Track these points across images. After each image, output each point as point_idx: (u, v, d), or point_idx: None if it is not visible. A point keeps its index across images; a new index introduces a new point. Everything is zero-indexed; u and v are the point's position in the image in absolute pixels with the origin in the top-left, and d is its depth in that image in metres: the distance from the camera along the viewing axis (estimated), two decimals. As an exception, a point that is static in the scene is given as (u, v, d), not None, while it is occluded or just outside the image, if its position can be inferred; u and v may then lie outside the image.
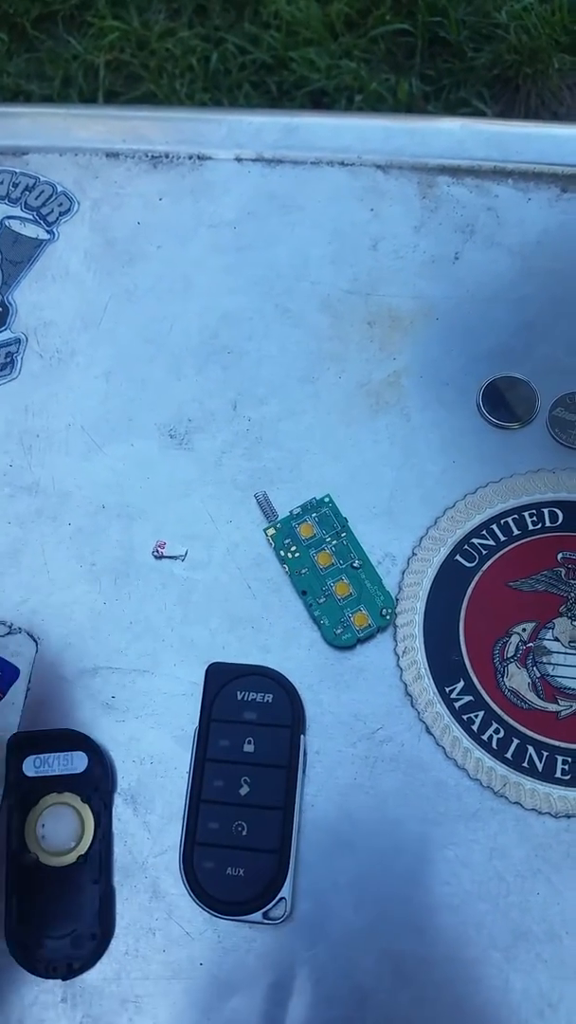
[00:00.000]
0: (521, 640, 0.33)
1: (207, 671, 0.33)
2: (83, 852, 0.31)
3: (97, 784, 0.32)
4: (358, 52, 1.26)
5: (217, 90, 1.27)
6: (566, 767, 0.31)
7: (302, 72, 1.23)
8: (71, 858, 0.31)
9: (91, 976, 0.30)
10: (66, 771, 0.32)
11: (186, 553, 0.36)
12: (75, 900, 0.31)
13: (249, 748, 0.32)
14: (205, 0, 1.34)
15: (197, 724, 0.32)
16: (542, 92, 1.19)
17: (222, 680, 0.33)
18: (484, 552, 0.34)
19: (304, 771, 0.32)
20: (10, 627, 0.35)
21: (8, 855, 0.31)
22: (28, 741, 0.32)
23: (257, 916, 0.30)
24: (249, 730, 0.32)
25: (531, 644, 0.33)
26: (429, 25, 1.21)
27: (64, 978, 0.30)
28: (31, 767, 0.32)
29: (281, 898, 0.30)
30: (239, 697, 0.32)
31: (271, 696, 0.32)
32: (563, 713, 0.32)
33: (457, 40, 1.22)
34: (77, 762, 0.32)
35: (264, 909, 0.30)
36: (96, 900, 0.31)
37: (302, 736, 0.32)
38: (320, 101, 1.22)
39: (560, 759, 0.31)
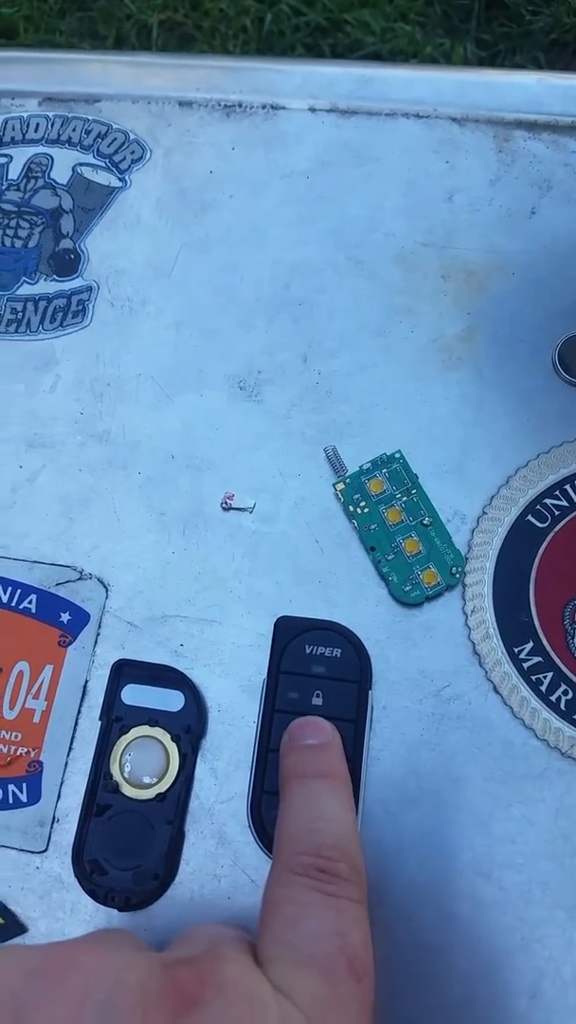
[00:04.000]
0: (594, 602, 0.32)
1: (276, 624, 0.33)
2: (163, 791, 0.31)
3: (189, 726, 0.32)
4: (413, 15, 1.23)
5: (270, 51, 1.25)
6: None
7: (356, 35, 1.21)
8: (150, 793, 0.31)
9: (156, 919, 0.31)
10: (162, 707, 0.32)
11: (254, 505, 0.36)
12: (146, 836, 0.31)
13: (317, 701, 0.32)
14: (261, -42, 1.31)
15: (265, 676, 0.32)
16: (606, 56, 1.16)
17: (291, 634, 0.33)
18: (557, 513, 0.34)
19: (371, 726, 0.32)
20: (81, 572, 0.35)
21: (91, 776, 0.32)
22: (131, 669, 0.33)
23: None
24: (317, 683, 0.32)
25: (604, 606, 0.32)
26: (490, -14, 1.19)
27: (120, 909, 0.31)
28: (130, 695, 0.33)
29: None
30: (308, 651, 0.33)
31: (339, 651, 0.32)
32: None
33: (515, 3, 1.19)
34: (174, 700, 0.32)
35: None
36: (166, 841, 0.31)
37: (370, 691, 0.32)
38: (376, 63, 1.20)
39: (631, 722, 0.31)
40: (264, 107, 0.43)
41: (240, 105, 0.43)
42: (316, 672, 0.32)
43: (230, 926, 0.28)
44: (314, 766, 0.29)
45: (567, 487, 0.34)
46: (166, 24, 1.33)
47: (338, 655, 0.32)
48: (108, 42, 1.34)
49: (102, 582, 0.35)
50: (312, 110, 0.42)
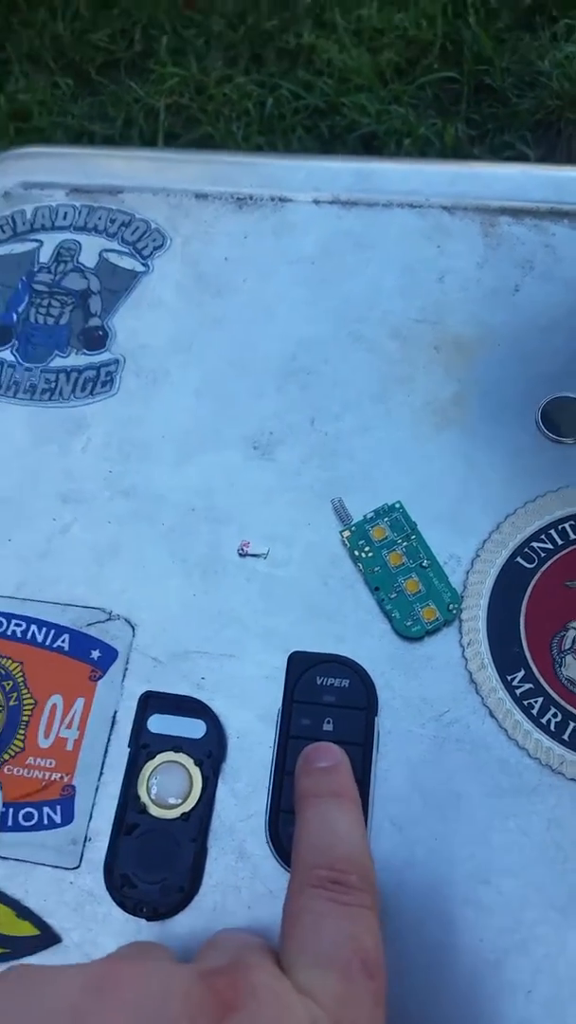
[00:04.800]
0: (576, 635, 0.36)
1: (289, 658, 0.37)
2: (187, 811, 0.35)
3: (211, 751, 0.36)
4: (407, 98, 1.32)
5: (271, 133, 1.34)
6: (618, 751, 0.34)
7: (353, 116, 1.29)
8: (175, 813, 0.34)
9: (181, 929, 0.34)
10: (185, 734, 0.36)
11: (268, 552, 0.40)
12: (171, 852, 0.34)
13: (328, 727, 0.35)
14: (261, 48, 1.41)
15: (281, 705, 0.36)
16: (585, 137, 1.24)
17: (303, 666, 0.36)
18: (543, 554, 0.38)
19: (378, 749, 0.35)
20: (110, 614, 0.39)
21: (121, 798, 0.35)
22: (156, 700, 0.37)
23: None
24: (328, 711, 0.35)
25: (586, 639, 0.36)
26: (474, 73, 1.27)
27: (148, 919, 0.34)
28: (156, 724, 0.36)
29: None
30: (318, 682, 0.36)
31: (348, 681, 0.36)
32: (615, 702, 0.35)
33: (502, 87, 1.27)
34: (196, 728, 0.36)
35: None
36: (190, 857, 0.34)
37: (375, 717, 0.35)
38: (370, 144, 1.28)
39: (612, 743, 0.34)
40: (272, 199, 0.48)
41: (251, 198, 0.48)
42: (326, 701, 0.36)
43: (250, 934, 0.30)
44: (326, 786, 0.32)
45: (552, 531, 0.38)
46: (172, 108, 1.42)
47: (346, 685, 0.36)
48: (117, 124, 1.43)
49: (129, 622, 0.39)
50: (316, 202, 0.48)
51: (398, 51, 1.30)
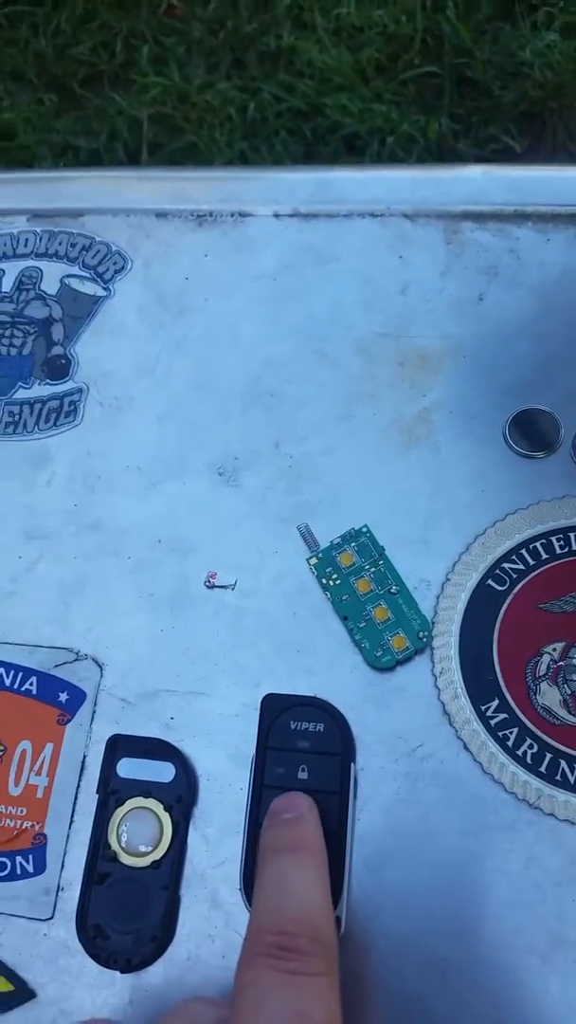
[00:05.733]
0: (552, 659, 0.35)
1: (262, 702, 0.35)
2: (158, 858, 0.34)
3: (180, 795, 0.34)
4: (389, 95, 1.30)
5: (255, 138, 1.32)
6: (599, 779, 0.33)
7: (336, 117, 1.28)
8: (145, 861, 0.34)
9: (155, 979, 0.33)
10: (154, 778, 0.35)
11: (236, 583, 0.38)
12: (143, 901, 0.33)
13: (303, 775, 0.34)
14: (242, 53, 1.40)
15: (255, 752, 0.35)
16: (569, 125, 1.22)
17: (276, 710, 0.35)
18: (515, 576, 0.36)
19: (355, 796, 0.34)
20: (77, 654, 0.38)
21: (91, 846, 0.34)
22: (125, 743, 0.36)
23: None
24: (302, 758, 0.34)
25: (562, 663, 0.35)
26: (456, 66, 1.26)
27: (122, 971, 0.33)
28: (124, 768, 0.35)
29: (336, 917, 0.31)
30: (292, 727, 0.35)
31: (322, 725, 0.35)
32: (595, 728, 0.34)
33: (484, 79, 1.26)
34: (166, 772, 0.35)
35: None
36: (163, 905, 0.33)
37: (352, 764, 0.34)
38: (354, 144, 1.26)
39: (593, 772, 0.33)
40: (232, 215, 0.47)
41: (211, 214, 0.47)
42: (301, 747, 0.34)
43: (211, 1004, 0.28)
44: (285, 840, 0.30)
45: (523, 551, 0.37)
46: (156, 117, 1.41)
47: (321, 729, 0.35)
48: (101, 138, 1.42)
49: (97, 662, 0.38)
50: (276, 215, 0.46)
51: (378, 48, 1.29)
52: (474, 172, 0.47)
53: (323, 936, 0.27)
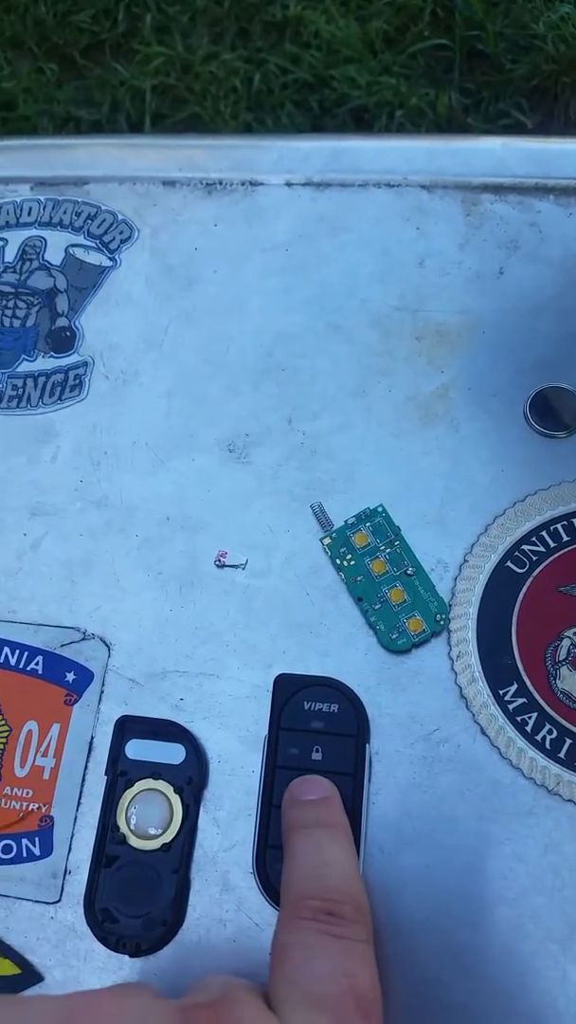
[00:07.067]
0: (572, 643, 0.34)
1: (275, 681, 0.35)
2: (168, 841, 0.33)
3: (191, 777, 0.34)
4: (397, 68, 1.28)
5: (260, 109, 1.30)
6: (619, 765, 0.32)
7: (343, 90, 1.25)
8: (155, 844, 0.33)
9: (166, 963, 0.32)
10: (164, 760, 0.34)
11: (247, 562, 0.38)
12: (153, 885, 0.32)
13: (317, 756, 0.33)
14: (247, 23, 1.37)
15: (267, 733, 0.34)
16: (582, 100, 1.20)
17: (290, 690, 0.34)
18: (535, 558, 0.35)
19: (370, 778, 0.33)
20: (84, 633, 0.37)
21: (99, 829, 0.33)
22: (134, 724, 0.35)
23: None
24: (316, 739, 0.33)
25: (582, 646, 0.34)
26: (467, 39, 1.23)
27: (131, 955, 0.32)
28: (133, 749, 0.34)
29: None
30: (306, 707, 0.34)
31: (337, 706, 0.34)
32: (615, 713, 0.33)
33: (495, 52, 1.23)
34: (175, 753, 0.34)
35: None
36: (172, 889, 0.32)
37: (367, 745, 0.33)
38: (361, 118, 1.24)
39: (613, 758, 0.32)
40: (243, 184, 0.45)
41: (221, 183, 0.46)
42: (315, 728, 0.34)
43: (239, 977, 0.29)
44: (315, 817, 0.30)
45: (543, 533, 0.36)
46: (159, 88, 1.39)
47: (335, 710, 0.34)
48: (103, 109, 1.40)
49: (104, 641, 0.37)
50: (288, 184, 0.45)
51: (387, 19, 1.26)
52: (493, 143, 0.45)
53: (364, 907, 0.27)
